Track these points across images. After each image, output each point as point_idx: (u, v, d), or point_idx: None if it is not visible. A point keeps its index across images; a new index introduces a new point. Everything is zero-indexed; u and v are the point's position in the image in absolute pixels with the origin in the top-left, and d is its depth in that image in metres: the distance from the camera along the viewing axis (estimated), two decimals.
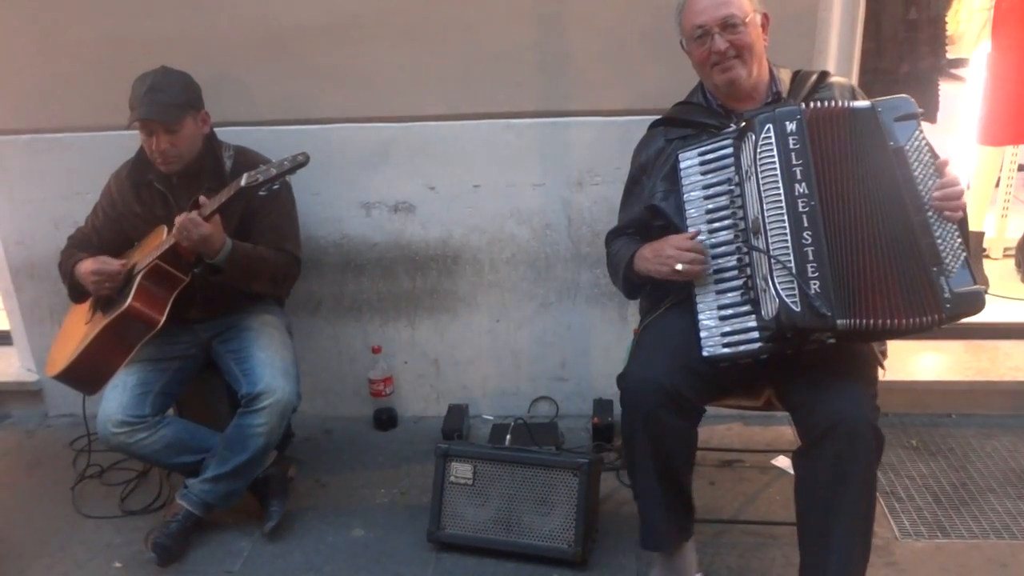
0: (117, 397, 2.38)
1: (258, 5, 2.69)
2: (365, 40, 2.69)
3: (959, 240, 1.81)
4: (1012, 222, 3.88)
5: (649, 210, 2.11)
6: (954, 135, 3.81)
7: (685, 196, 1.96)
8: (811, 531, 1.90)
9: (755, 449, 2.83)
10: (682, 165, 1.97)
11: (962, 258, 1.80)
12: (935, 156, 1.85)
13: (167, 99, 2.31)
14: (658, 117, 2.23)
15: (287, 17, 2.69)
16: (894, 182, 1.82)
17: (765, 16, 2.07)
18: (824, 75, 2.13)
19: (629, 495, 2.56)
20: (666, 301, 2.10)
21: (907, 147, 1.84)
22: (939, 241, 1.80)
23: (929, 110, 3.52)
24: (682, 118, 2.14)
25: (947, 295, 1.77)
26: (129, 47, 2.72)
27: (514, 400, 3.07)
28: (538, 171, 2.79)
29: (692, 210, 1.96)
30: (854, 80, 2.71)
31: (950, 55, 3.67)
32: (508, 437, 2.58)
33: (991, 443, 2.82)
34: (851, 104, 1.90)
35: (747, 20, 2.00)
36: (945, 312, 1.77)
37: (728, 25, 2.00)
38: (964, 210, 1.83)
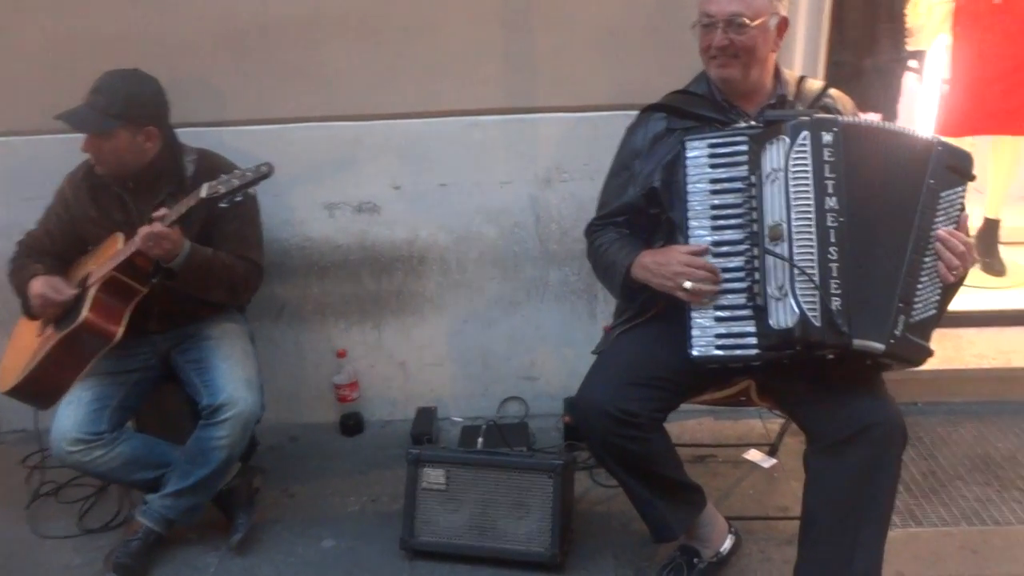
0: (72, 413, 2.28)
1: (216, 2, 2.60)
2: (327, 38, 2.62)
3: (936, 300, 1.82)
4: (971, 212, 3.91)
5: (647, 195, 2.06)
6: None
7: (689, 187, 1.91)
8: (828, 530, 1.87)
9: (726, 444, 2.82)
10: (689, 154, 1.91)
11: (930, 315, 1.81)
12: (961, 211, 1.85)
13: (102, 105, 2.20)
14: (648, 104, 2.17)
15: (247, 14, 2.61)
16: (911, 215, 1.81)
17: (784, 20, 2.01)
18: (827, 86, 2.12)
19: (603, 494, 2.59)
20: (654, 309, 2.05)
21: (943, 194, 1.83)
22: (919, 287, 1.80)
23: (890, 102, 3.55)
24: (685, 108, 2.08)
25: (897, 332, 1.77)
26: (78, 46, 2.62)
27: (483, 401, 3.03)
28: (505, 169, 2.74)
29: (695, 202, 1.91)
30: (820, 74, 2.71)
31: (909, 48, 3.70)
32: (480, 440, 2.53)
33: (958, 431, 2.86)
34: (910, 131, 1.87)
35: (756, 23, 1.95)
36: (887, 346, 1.77)
37: (733, 23, 1.95)
38: (960, 279, 1.83)
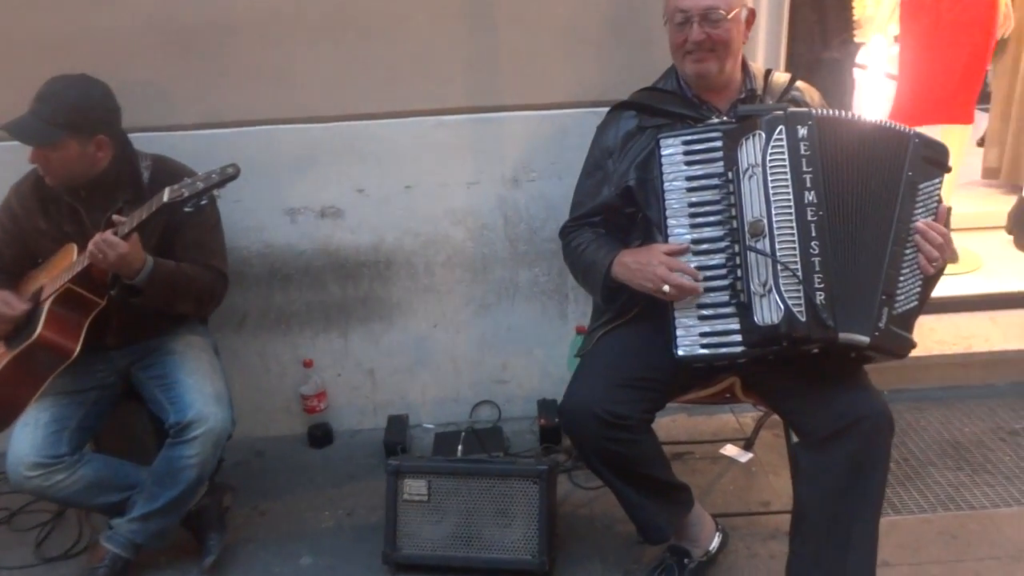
0: (28, 436, 2.15)
1: (168, 2, 2.49)
2: (284, 37, 2.53)
3: (917, 292, 1.83)
4: None
5: (622, 194, 2.04)
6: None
7: (666, 185, 1.88)
8: (821, 524, 1.87)
9: (702, 440, 2.82)
10: (664, 152, 1.89)
11: (911, 307, 1.82)
12: (939, 203, 1.87)
13: (47, 115, 2.07)
14: (618, 101, 2.15)
15: (199, 13, 2.50)
16: (890, 207, 1.82)
17: (752, 12, 2.02)
18: (794, 79, 2.12)
19: (584, 496, 2.56)
20: (634, 310, 2.02)
21: (921, 185, 1.84)
22: (901, 279, 1.81)
23: (843, 94, 3.60)
24: (655, 106, 2.06)
25: (881, 325, 1.78)
26: (22, 49, 2.49)
27: (455, 407, 2.97)
28: (472, 169, 2.69)
29: (673, 201, 1.88)
30: (782, 66, 2.72)
31: (857, 40, 3.75)
32: (460, 448, 2.48)
33: (925, 417, 2.90)
34: (887, 123, 1.87)
35: (731, 16, 1.94)
36: (871, 339, 1.78)
37: (709, 18, 1.94)
38: (939, 270, 1.85)
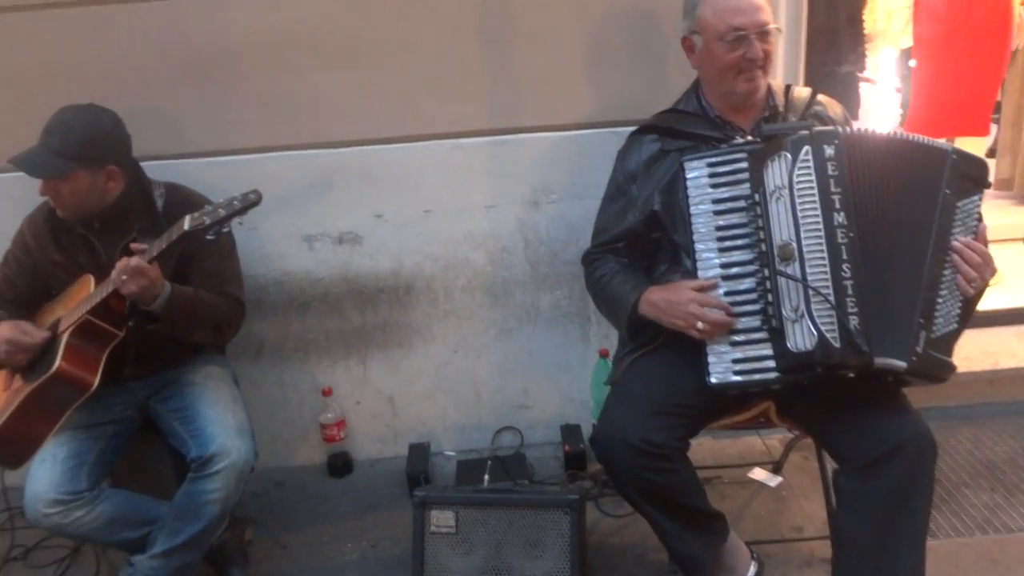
0: (46, 473, 2.10)
1: (176, 28, 2.47)
2: (299, 62, 2.51)
3: (956, 314, 1.78)
4: None
5: (647, 220, 2.00)
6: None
7: (692, 209, 1.85)
8: (866, 553, 1.81)
9: (730, 464, 2.76)
10: (689, 175, 1.85)
11: (951, 330, 1.78)
12: (979, 221, 1.82)
13: (56, 147, 2.05)
14: (639, 124, 2.12)
15: (210, 40, 2.48)
16: (927, 227, 1.77)
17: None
18: (815, 93, 2.08)
19: (613, 525, 2.51)
20: (662, 336, 1.97)
21: (960, 204, 1.79)
22: (940, 301, 1.76)
23: (851, 108, 3.58)
24: (677, 128, 2.03)
25: (919, 349, 1.74)
26: (31, 79, 2.48)
27: (476, 433, 2.92)
28: (491, 192, 2.66)
29: (700, 224, 1.84)
30: (802, 80, 2.69)
31: (868, 54, 3.74)
32: (487, 477, 2.42)
33: (955, 436, 2.84)
34: (921, 139, 1.82)
35: (776, 28, 1.93)
36: (909, 364, 1.73)
37: (763, 32, 1.92)
38: (979, 291, 1.80)
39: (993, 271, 1.82)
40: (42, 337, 2.12)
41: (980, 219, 1.83)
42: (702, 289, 1.83)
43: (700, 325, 1.79)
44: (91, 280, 2.14)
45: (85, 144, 2.06)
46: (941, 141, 1.83)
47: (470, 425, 2.91)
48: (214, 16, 2.46)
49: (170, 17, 2.45)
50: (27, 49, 2.47)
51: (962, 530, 2.39)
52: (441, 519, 2.20)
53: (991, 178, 4.53)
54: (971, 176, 1.82)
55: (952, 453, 2.75)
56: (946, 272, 1.78)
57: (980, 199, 1.82)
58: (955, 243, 1.77)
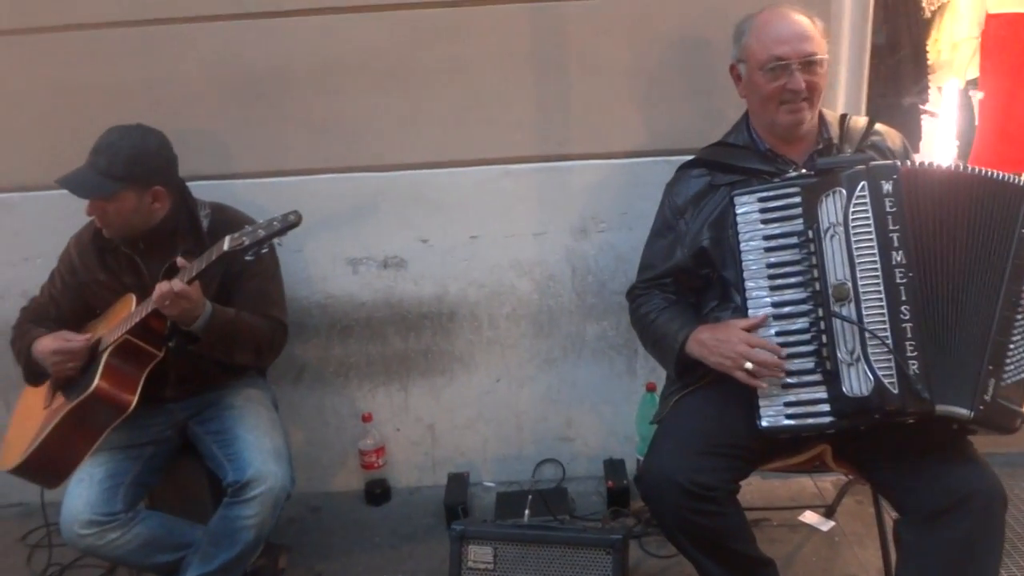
0: (83, 493, 2.08)
1: (227, 49, 2.47)
2: (347, 84, 2.50)
3: None
4: None
5: (696, 256, 1.94)
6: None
7: (742, 245, 1.78)
8: None
9: (779, 506, 2.66)
10: (739, 210, 1.79)
11: (1021, 378, 1.67)
12: None
13: (103, 167, 2.05)
14: (684, 159, 2.07)
15: (260, 62, 2.48)
16: (999, 268, 1.67)
17: (827, 61, 1.92)
18: (872, 123, 2.01)
19: (656, 567, 2.42)
20: (712, 373, 1.89)
21: None
22: (1012, 347, 1.66)
23: (912, 142, 3.48)
24: (728, 162, 1.97)
25: (987, 397, 1.64)
26: (82, 97, 2.50)
27: (517, 464, 2.86)
28: (539, 219, 2.61)
29: (750, 261, 1.78)
30: (863, 113, 2.60)
31: (932, 86, 3.64)
32: (527, 511, 2.35)
33: (1019, 484, 2.71)
34: (994, 175, 1.72)
35: (825, 59, 1.87)
36: (975, 412, 1.63)
37: (809, 63, 1.86)
38: None
39: None
40: (85, 339, 2.12)
41: None
42: (752, 328, 1.76)
43: (748, 365, 1.73)
44: (132, 299, 2.14)
45: (132, 164, 2.06)
46: (1016, 177, 1.73)
47: (511, 456, 2.85)
48: (266, 39, 2.46)
49: (222, 38, 2.46)
50: (78, 67, 2.49)
51: None
52: (479, 554, 2.14)
53: None
54: None
55: (1017, 502, 2.61)
56: (1019, 316, 1.67)
57: None
58: None
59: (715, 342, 1.80)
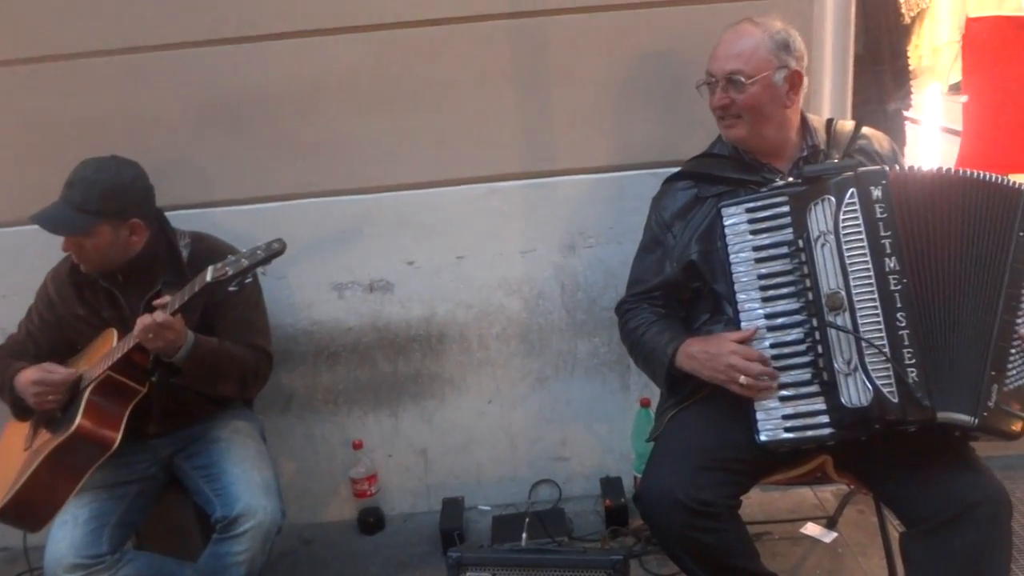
0: (67, 535, 2.02)
1: (205, 76, 2.43)
2: (328, 107, 2.46)
3: None
4: None
5: (685, 270, 1.91)
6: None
7: (732, 257, 1.75)
8: None
9: (780, 519, 2.62)
10: (727, 221, 1.77)
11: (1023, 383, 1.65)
12: None
13: (78, 201, 2.00)
14: (671, 172, 2.04)
15: (238, 87, 2.44)
16: (998, 272, 1.65)
17: (796, 74, 1.88)
18: (859, 126, 1.99)
19: None
20: (707, 388, 1.86)
21: None
22: (1013, 351, 1.64)
23: (898, 147, 3.48)
24: (712, 173, 1.94)
25: (990, 403, 1.61)
26: (55, 129, 2.45)
27: (512, 486, 2.81)
28: (526, 237, 2.58)
29: (741, 273, 1.75)
30: (848, 117, 2.59)
31: (913, 92, 3.63)
32: (524, 535, 2.30)
33: (1020, 487, 2.68)
34: (989, 177, 1.70)
35: (756, 79, 1.84)
36: (977, 419, 1.61)
37: (732, 81, 1.85)
38: None
39: None
40: (68, 373, 2.06)
41: None
42: (744, 341, 1.73)
43: (742, 379, 1.70)
44: (114, 334, 2.09)
45: (107, 198, 2.02)
46: (1012, 179, 1.70)
47: (506, 478, 2.80)
48: (243, 63, 2.42)
49: (198, 64, 2.42)
50: (51, 99, 2.44)
51: None
52: None
53: None
54: None
55: (1020, 507, 2.57)
56: (1019, 321, 1.65)
57: None
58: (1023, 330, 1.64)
59: (706, 356, 1.78)
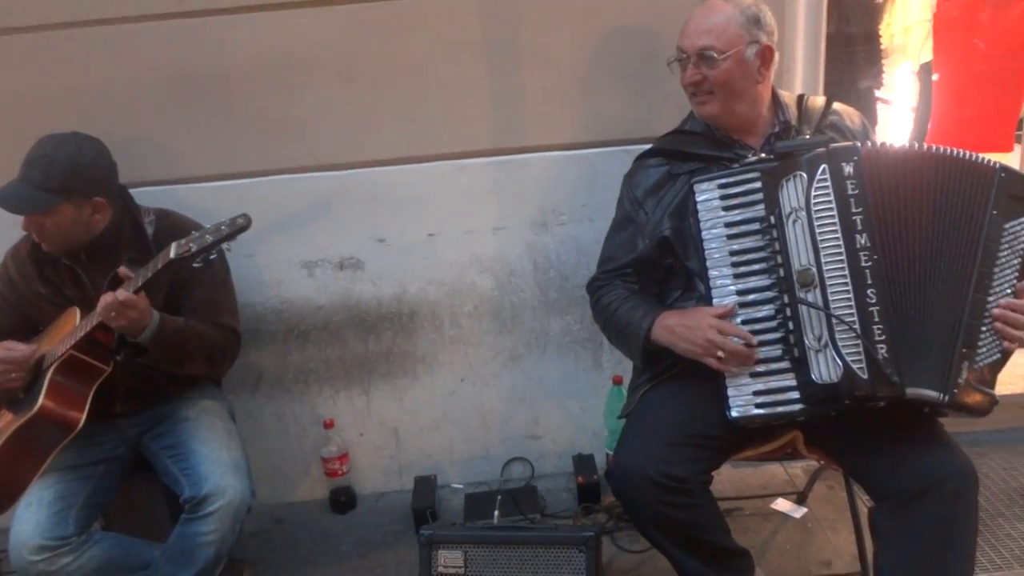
0: (32, 517, 1.99)
1: (171, 49, 2.38)
2: (296, 82, 2.42)
3: (999, 345, 1.67)
4: None
5: (658, 246, 1.90)
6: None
7: (704, 234, 1.75)
8: None
9: (751, 495, 2.64)
10: (699, 197, 1.76)
11: (994, 360, 1.67)
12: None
13: (38, 180, 1.95)
14: (644, 148, 2.03)
15: (204, 62, 2.39)
16: (971, 251, 1.66)
17: (768, 49, 1.87)
18: (830, 101, 1.99)
19: (630, 562, 2.38)
20: (679, 365, 1.86)
21: (1007, 226, 1.67)
22: (984, 329, 1.65)
23: (873, 124, 3.49)
24: (685, 150, 1.94)
25: (960, 380, 1.63)
26: (13, 105, 2.38)
27: (485, 465, 2.81)
28: (498, 214, 2.56)
29: (713, 250, 1.74)
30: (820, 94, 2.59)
31: (885, 71, 3.64)
32: (496, 512, 2.29)
33: (986, 463, 2.72)
34: (965, 155, 1.69)
35: (728, 55, 1.83)
36: (948, 395, 1.63)
37: (703, 56, 1.84)
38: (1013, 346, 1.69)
39: None
40: (30, 350, 2.02)
41: None
42: (723, 317, 1.73)
43: (720, 354, 1.69)
44: (76, 313, 2.05)
45: (68, 177, 1.96)
46: (986, 157, 1.70)
47: (478, 456, 2.80)
48: (208, 37, 2.37)
49: (163, 38, 2.36)
50: (13, 73, 2.38)
51: (1000, 564, 2.26)
52: (449, 559, 2.09)
53: None
54: (1020, 196, 1.69)
55: (984, 481, 2.61)
56: (990, 299, 1.66)
57: None
58: (995, 311, 1.65)
59: (684, 329, 1.77)
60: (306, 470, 2.78)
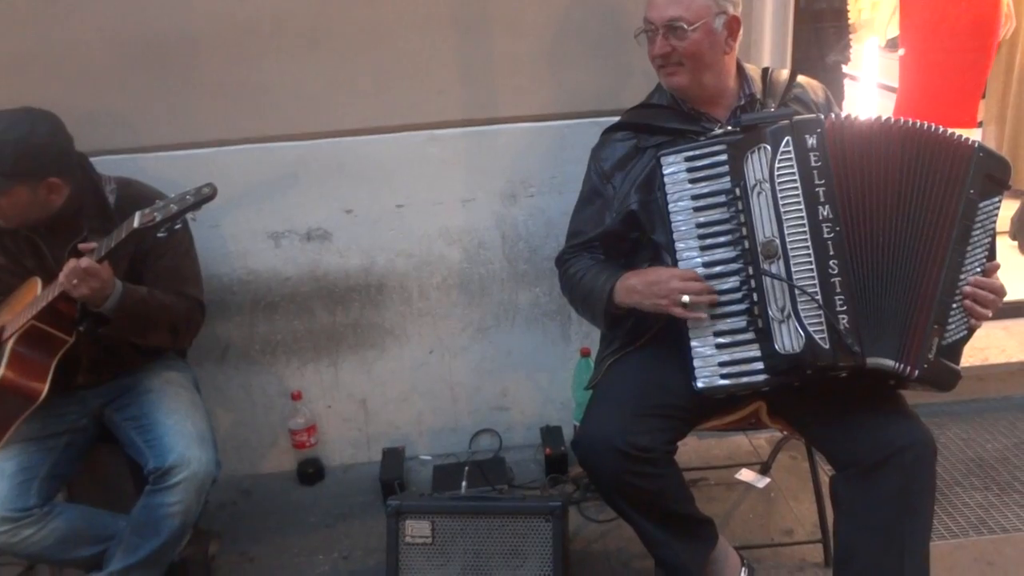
0: None
1: (130, 15, 2.32)
2: (261, 49, 2.38)
3: (966, 323, 1.69)
4: None
5: (625, 220, 1.91)
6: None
7: (671, 206, 1.75)
8: (870, 563, 1.72)
9: (716, 465, 2.68)
10: (666, 171, 1.76)
11: (961, 336, 1.69)
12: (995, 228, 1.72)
13: None
14: (613, 121, 2.02)
15: (167, 27, 2.34)
16: (947, 224, 1.67)
17: (735, 19, 1.87)
18: (794, 75, 2.00)
19: (596, 531, 2.41)
20: (646, 336, 1.88)
21: (981, 205, 1.68)
22: (955, 307, 1.67)
23: (836, 100, 3.51)
24: (652, 123, 1.93)
25: (931, 355, 1.65)
26: None
27: (453, 436, 2.81)
28: (467, 185, 2.54)
29: (679, 222, 1.75)
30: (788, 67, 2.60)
31: (853, 46, 3.66)
32: (464, 483, 2.31)
33: (944, 434, 2.78)
34: (944, 131, 1.69)
35: (696, 26, 1.82)
36: (919, 370, 1.65)
37: (672, 28, 1.83)
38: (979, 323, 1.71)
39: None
40: None
41: (995, 228, 1.73)
42: (685, 278, 1.74)
43: (685, 298, 1.69)
44: (38, 283, 2.01)
45: (21, 159, 1.89)
46: (961, 134, 1.70)
47: (446, 428, 2.81)
48: (171, 1, 2.32)
49: (122, 2, 2.31)
50: None
51: (956, 531, 2.32)
52: (416, 529, 2.09)
53: None
54: (995, 176, 1.71)
55: (943, 451, 2.68)
56: (962, 278, 1.68)
57: (1000, 202, 1.72)
58: (966, 288, 1.68)
59: (646, 284, 1.78)
60: (274, 442, 2.77)
